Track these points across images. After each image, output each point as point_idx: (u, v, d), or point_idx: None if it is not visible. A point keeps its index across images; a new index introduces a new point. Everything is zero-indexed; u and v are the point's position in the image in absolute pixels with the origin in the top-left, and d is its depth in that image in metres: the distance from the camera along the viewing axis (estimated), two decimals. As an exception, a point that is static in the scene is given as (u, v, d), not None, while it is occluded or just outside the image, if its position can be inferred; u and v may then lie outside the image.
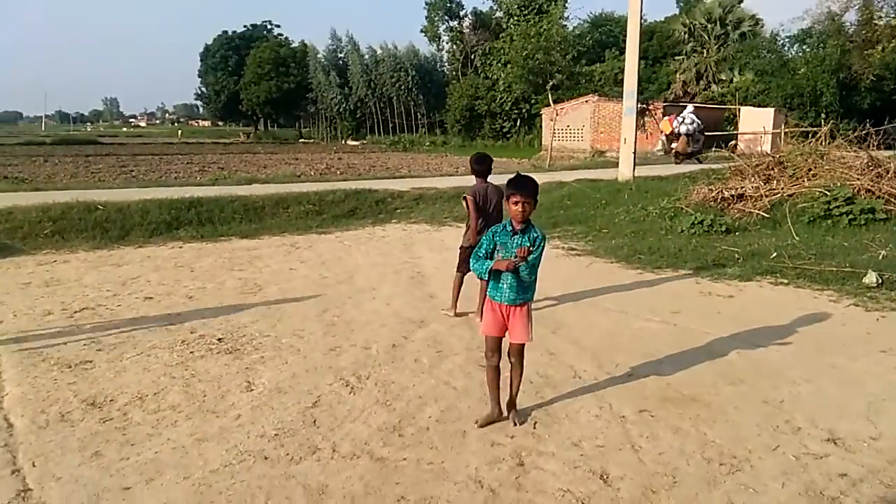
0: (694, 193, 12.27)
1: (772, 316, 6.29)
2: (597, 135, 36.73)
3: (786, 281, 7.64)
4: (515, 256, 3.77)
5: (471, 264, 4.03)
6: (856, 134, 13.13)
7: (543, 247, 3.89)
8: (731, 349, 5.41)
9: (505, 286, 3.93)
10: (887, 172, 11.20)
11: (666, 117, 25.15)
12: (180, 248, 10.16)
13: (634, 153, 16.29)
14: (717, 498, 3.28)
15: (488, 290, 4.04)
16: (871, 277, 7.32)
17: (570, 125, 38.10)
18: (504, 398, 4.18)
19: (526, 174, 4.03)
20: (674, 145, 23.27)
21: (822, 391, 4.55)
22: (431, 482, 3.46)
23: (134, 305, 6.89)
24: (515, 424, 4.07)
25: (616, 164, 17.32)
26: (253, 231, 11.43)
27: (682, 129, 22.40)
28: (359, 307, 6.93)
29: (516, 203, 3.79)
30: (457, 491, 3.37)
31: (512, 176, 3.98)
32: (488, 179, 6.50)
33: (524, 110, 48.46)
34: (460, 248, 6.63)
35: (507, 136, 51.94)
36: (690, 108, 23.28)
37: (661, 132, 23.39)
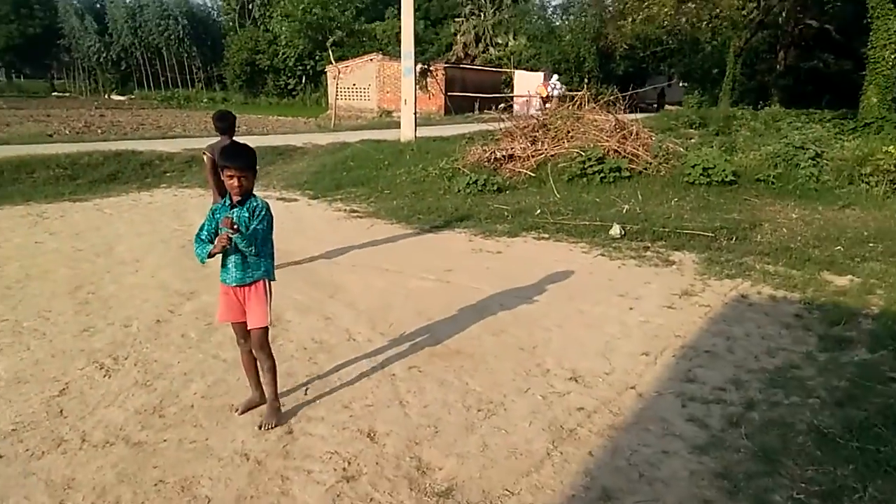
0: (470, 154, 12.88)
1: (533, 269, 6.86)
2: (383, 94, 37.01)
3: (547, 235, 8.36)
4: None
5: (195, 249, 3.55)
6: (605, 99, 14.58)
7: (267, 217, 3.52)
8: (496, 302, 5.82)
9: (231, 265, 3.55)
10: (631, 134, 12.64)
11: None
12: None
13: (415, 114, 16.67)
14: (473, 441, 3.54)
15: (220, 273, 3.63)
16: (615, 230, 8.27)
17: (356, 84, 37.94)
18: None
19: (241, 143, 3.74)
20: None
21: (569, 335, 5.09)
22: (193, 461, 3.33)
23: None
24: (261, 428, 3.61)
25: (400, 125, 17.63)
26: (-9, 199, 9.95)
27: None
28: (119, 281, 6.38)
29: (231, 177, 3.41)
30: (220, 467, 3.28)
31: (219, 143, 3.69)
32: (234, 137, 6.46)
33: (309, 67, 47.30)
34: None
35: (293, 93, 50.44)
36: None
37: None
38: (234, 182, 3.43)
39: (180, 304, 5.76)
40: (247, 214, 3.49)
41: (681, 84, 41.03)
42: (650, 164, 11.55)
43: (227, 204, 3.54)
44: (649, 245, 7.77)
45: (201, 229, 3.53)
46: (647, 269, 6.91)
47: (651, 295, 6.03)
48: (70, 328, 5.15)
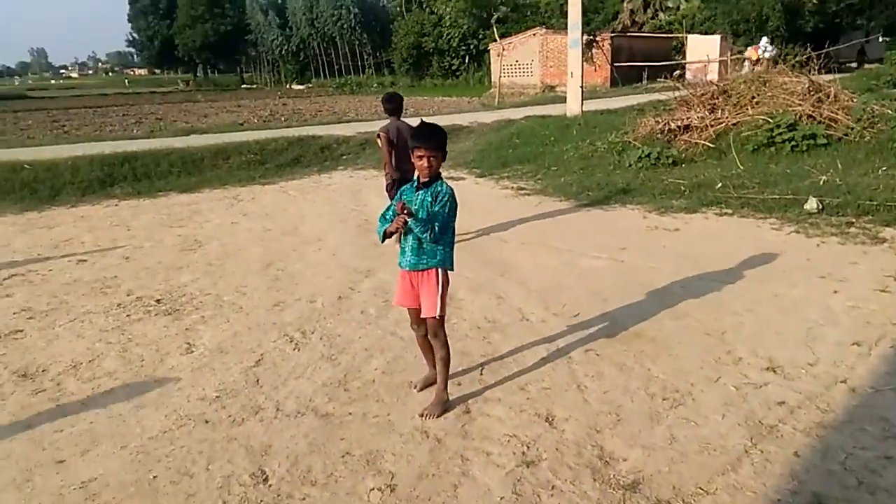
0: (641, 126, 12.24)
1: (716, 247, 6.36)
2: (546, 69, 36.36)
3: (730, 211, 7.73)
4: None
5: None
6: (797, 59, 13.17)
7: (449, 204, 3.42)
8: (676, 283, 5.46)
9: (407, 249, 3.51)
10: (828, 97, 11.32)
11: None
12: (116, 206, 9.76)
13: (582, 87, 16.15)
14: (659, 433, 3.31)
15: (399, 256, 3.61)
16: (811, 203, 7.45)
17: (518, 60, 37.59)
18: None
19: (432, 123, 3.68)
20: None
21: (762, 320, 4.63)
22: (377, 435, 3.42)
23: (67, 269, 6.60)
24: (422, 416, 3.55)
25: (565, 100, 17.18)
26: (192, 185, 11.04)
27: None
28: (304, 259, 6.77)
29: (420, 157, 3.38)
30: (402, 443, 3.34)
31: (418, 124, 3.62)
32: (401, 118, 6.83)
33: (472, 46, 47.61)
34: (386, 187, 6.99)
35: (457, 73, 51.11)
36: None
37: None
38: (424, 163, 3.38)
39: (359, 281, 5.99)
40: (430, 198, 3.42)
41: (881, 39, 36.27)
42: (852, 129, 10.27)
43: (413, 186, 3.52)
44: (853, 220, 6.90)
45: (388, 209, 3.55)
46: (853, 247, 6.14)
47: (859, 277, 5.34)
48: (263, 303, 5.54)
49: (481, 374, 4.06)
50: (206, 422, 3.64)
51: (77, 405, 3.87)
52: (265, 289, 5.89)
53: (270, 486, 3.06)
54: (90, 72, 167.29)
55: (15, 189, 9.87)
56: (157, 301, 5.60)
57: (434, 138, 3.43)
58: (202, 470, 3.20)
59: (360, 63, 62.34)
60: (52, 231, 8.23)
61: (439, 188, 3.45)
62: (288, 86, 61.10)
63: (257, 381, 4.13)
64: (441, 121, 17.54)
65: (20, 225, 8.64)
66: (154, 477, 3.15)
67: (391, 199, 7.05)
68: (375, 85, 52.39)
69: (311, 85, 59.55)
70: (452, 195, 3.47)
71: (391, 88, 47.84)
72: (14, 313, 5.40)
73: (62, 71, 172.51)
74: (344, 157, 13.44)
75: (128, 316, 5.28)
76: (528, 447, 3.24)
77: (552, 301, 5.23)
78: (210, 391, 4.00)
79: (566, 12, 15.97)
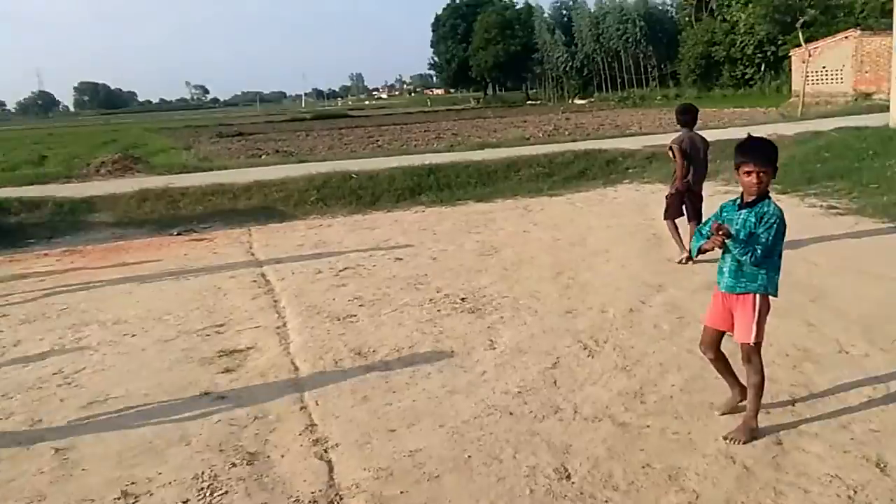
0: None
1: None
2: (861, 75, 31.96)
3: None
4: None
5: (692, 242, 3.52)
6: None
7: (776, 226, 3.20)
8: None
9: (725, 269, 3.38)
10: None
11: None
12: (423, 212, 10.90)
13: (913, 94, 13.94)
14: None
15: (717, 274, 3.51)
16: None
17: (826, 66, 33.60)
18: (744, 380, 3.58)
19: (760, 136, 3.43)
20: None
21: None
22: (678, 452, 3.39)
23: (387, 266, 7.56)
24: (726, 440, 3.40)
25: (885, 108, 14.99)
26: (487, 194, 11.86)
27: None
28: (593, 270, 6.90)
29: (748, 173, 3.19)
30: (706, 464, 3.26)
31: (743, 138, 3.39)
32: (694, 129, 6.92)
33: (769, 53, 43.69)
34: (667, 196, 7.07)
35: (750, 83, 47.29)
36: None
37: None
38: (752, 179, 3.22)
39: (650, 295, 5.93)
40: (754, 219, 3.26)
41: None
42: None
43: (735, 204, 3.39)
44: None
45: (705, 224, 3.49)
46: None
47: None
48: (555, 308, 5.78)
49: (793, 405, 3.78)
50: (511, 414, 3.94)
51: (402, 384, 4.45)
52: (557, 296, 6.13)
53: (573, 483, 3.21)
54: (396, 93, 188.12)
55: (345, 195, 11.56)
56: (462, 299, 6.16)
57: (765, 152, 3.26)
58: (509, 457, 3.47)
59: (643, 76, 61.02)
60: (374, 232, 9.48)
61: (766, 208, 3.27)
62: (570, 101, 62.13)
63: (554, 382, 4.34)
64: (733, 133, 16.39)
65: (349, 225, 10.11)
66: (469, 456, 3.51)
67: (669, 206, 7.01)
68: (659, 98, 50.80)
69: (592, 99, 59.85)
70: (781, 217, 3.27)
71: (676, 101, 46.00)
72: (349, 300, 6.35)
73: (374, 92, 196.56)
74: (630, 170, 13.32)
75: (438, 311, 5.90)
76: (854, 492, 2.95)
77: (878, 334, 4.65)
78: (512, 386, 4.30)
79: (889, 10, 13.94)
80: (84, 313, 6.38)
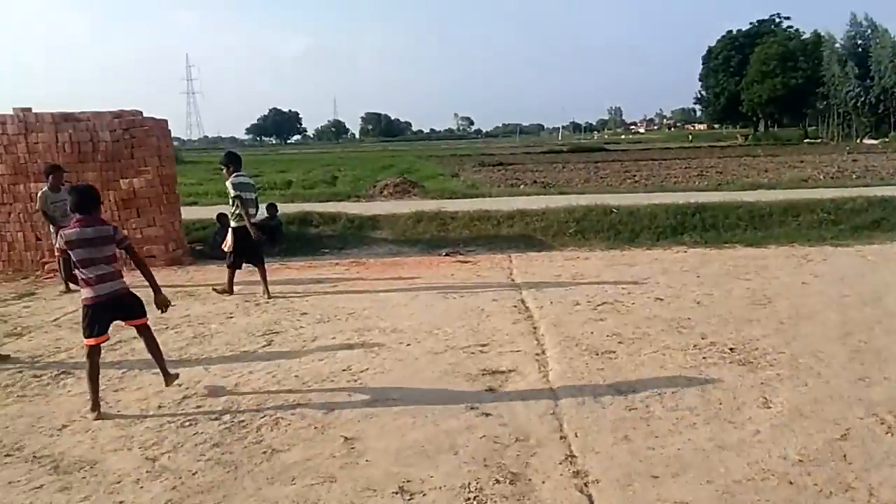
0: None
1: None
2: None
3: None
4: None
5: None
6: None
7: None
8: None
9: None
10: None
11: None
12: (685, 252, 10.43)
13: None
14: None
15: None
16: None
17: None
18: None
19: None
20: None
21: None
22: None
23: (646, 305, 7.37)
24: None
25: None
26: (759, 239, 10.99)
27: None
28: (891, 335, 6.02)
29: None
30: None
31: None
32: None
33: None
34: None
35: None
36: None
37: None
38: None
39: (972, 374, 5.01)
40: None
41: None
42: None
43: None
44: None
45: None
46: None
47: None
48: (844, 374, 5.15)
49: None
50: (791, 483, 3.58)
51: (665, 429, 4.29)
52: (846, 359, 5.46)
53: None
54: (655, 127, 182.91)
55: (604, 229, 11.52)
56: (731, 349, 5.77)
57: None
58: (790, 529, 3.17)
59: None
60: (633, 269, 9.30)
61: None
62: (859, 140, 54.97)
63: (844, 456, 3.87)
64: None
65: (606, 260, 10.04)
66: (741, 519, 3.27)
67: None
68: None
69: (887, 139, 52.27)
70: None
71: None
72: (607, 336, 6.30)
73: (631, 126, 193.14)
74: (941, 223, 11.40)
75: (704, 358, 5.59)
76: None
77: None
78: (792, 453, 3.92)
79: None
80: (367, 319, 7.15)
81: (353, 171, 31.04)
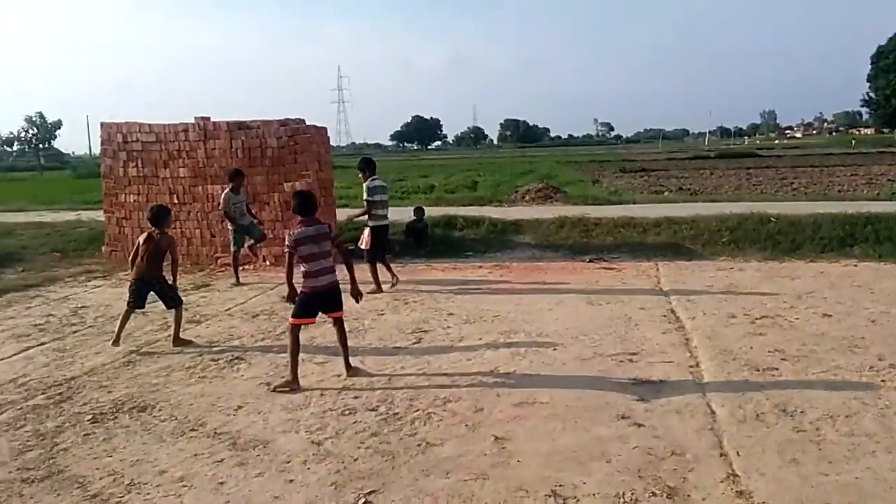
0: None
1: None
2: None
3: None
4: None
5: None
6: None
7: None
8: None
9: None
10: None
11: None
12: (855, 266, 9.61)
13: None
14: None
15: None
16: None
17: None
18: None
19: None
20: None
21: None
22: None
23: (812, 320, 6.86)
24: None
25: None
26: (945, 254, 9.87)
27: None
28: None
29: None
30: None
31: None
32: None
33: None
34: None
35: None
36: None
37: None
38: None
39: None
40: None
41: None
42: None
43: None
44: None
45: None
46: None
47: None
48: None
49: None
50: None
51: (839, 455, 3.98)
52: None
53: None
54: (814, 132, 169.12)
55: (760, 239, 10.83)
56: (915, 374, 5.25)
57: None
58: None
59: None
60: (794, 282, 8.68)
61: None
62: None
63: None
64: None
65: (764, 272, 9.45)
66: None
67: None
68: None
69: None
70: None
71: None
72: (768, 351, 5.93)
73: (787, 131, 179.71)
74: None
75: (882, 381, 5.12)
76: None
77: None
78: None
79: None
80: (513, 322, 7.21)
81: (492, 177, 31.31)
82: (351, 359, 5.75)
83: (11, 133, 69.86)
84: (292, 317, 5.61)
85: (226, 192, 9.56)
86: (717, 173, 32.97)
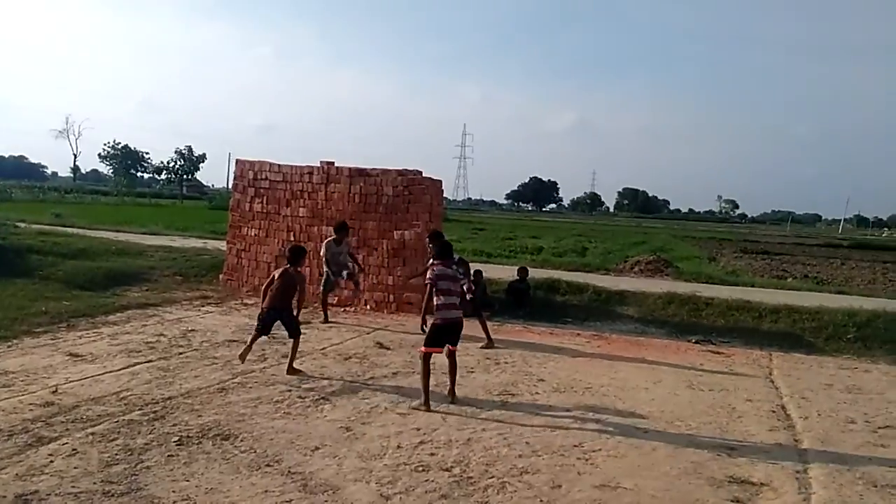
0: None
1: None
2: None
3: None
4: None
5: None
6: None
7: None
8: None
9: None
10: None
11: None
12: None
13: None
14: None
15: None
16: None
17: None
18: None
19: None
20: None
21: None
22: None
23: (948, 439, 6.10)
24: None
25: None
26: None
27: None
28: None
29: None
30: None
31: None
32: None
33: None
34: None
35: None
36: None
37: None
38: None
39: None
40: None
41: None
42: None
43: None
44: None
45: None
46: None
47: None
48: None
49: None
50: None
51: None
52: None
53: None
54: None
55: (892, 339, 9.83)
56: None
57: None
58: None
59: None
60: (930, 393, 7.80)
61: None
62: None
63: None
64: None
65: (893, 375, 8.56)
66: None
67: None
68: None
69: None
70: None
71: None
72: (890, 467, 5.30)
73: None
74: None
75: None
76: None
77: None
78: None
79: None
80: (604, 397, 6.90)
81: (603, 244, 30.73)
82: (434, 410, 6.05)
83: (162, 163, 76.75)
84: (424, 345, 6.35)
85: (328, 240, 9.98)
86: (849, 263, 30.74)
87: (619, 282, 13.22)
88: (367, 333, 9.47)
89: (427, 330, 6.67)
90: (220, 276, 12.98)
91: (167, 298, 11.21)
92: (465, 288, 6.67)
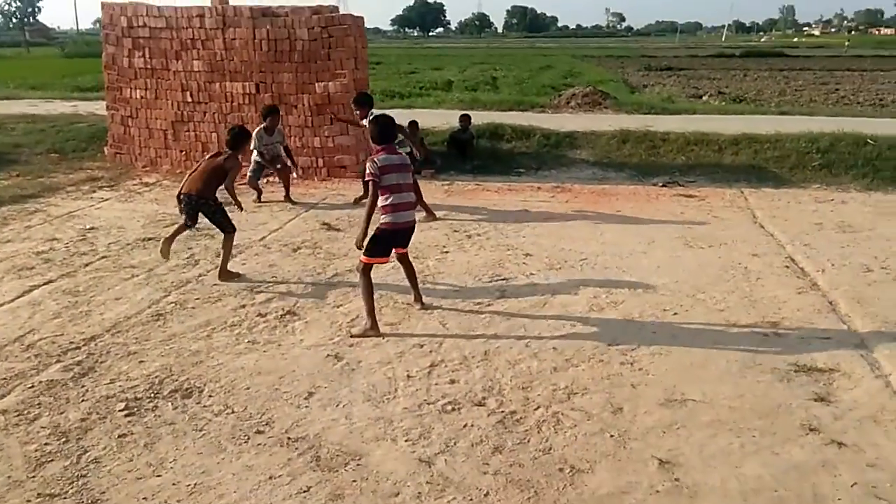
0: None
1: None
2: None
3: None
4: None
5: None
6: None
7: None
8: None
9: None
10: None
11: None
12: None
13: None
14: None
15: None
16: None
17: None
18: None
19: None
20: None
21: None
22: None
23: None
24: None
25: None
26: None
27: None
28: None
29: None
30: None
31: None
32: None
33: None
34: None
35: None
36: None
37: None
38: None
39: None
40: None
41: None
42: None
43: None
44: None
45: None
46: None
47: None
48: None
49: None
50: None
51: None
52: None
53: None
54: (833, 30, 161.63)
55: (857, 164, 9.47)
56: None
57: None
58: None
59: None
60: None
61: None
62: None
63: None
64: None
65: (871, 205, 8.23)
66: None
67: None
68: None
69: None
70: None
71: None
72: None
73: (804, 28, 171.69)
74: None
75: None
76: None
77: None
78: None
79: None
80: (606, 269, 6.10)
81: (511, 72, 29.23)
82: (429, 315, 5.05)
83: (-7, 4, 65.46)
84: (364, 255, 4.82)
85: (258, 129, 8.06)
86: (750, 74, 30.99)
87: (563, 121, 12.13)
88: (306, 211, 8.12)
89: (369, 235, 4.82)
90: (106, 150, 10.92)
91: (47, 185, 9.24)
92: (414, 153, 5.91)
